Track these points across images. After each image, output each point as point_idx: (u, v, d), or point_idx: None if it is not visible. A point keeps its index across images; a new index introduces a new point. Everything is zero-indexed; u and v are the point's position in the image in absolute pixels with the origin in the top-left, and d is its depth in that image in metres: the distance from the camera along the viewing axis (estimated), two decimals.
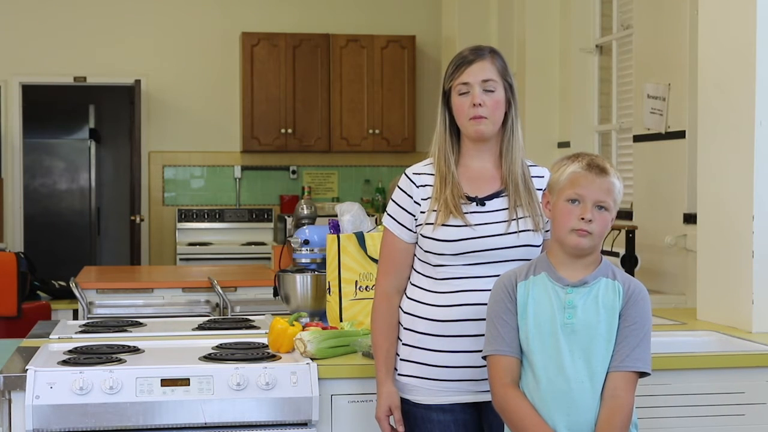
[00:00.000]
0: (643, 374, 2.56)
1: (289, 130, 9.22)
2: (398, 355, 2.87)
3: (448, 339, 2.79)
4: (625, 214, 6.01)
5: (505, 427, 2.64)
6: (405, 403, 2.84)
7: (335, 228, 3.69)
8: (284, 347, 3.17)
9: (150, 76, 9.32)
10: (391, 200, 2.92)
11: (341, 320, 3.52)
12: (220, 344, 3.33)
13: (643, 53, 5.83)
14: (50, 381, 2.88)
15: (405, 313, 2.87)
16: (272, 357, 3.11)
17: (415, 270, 2.89)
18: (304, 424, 2.99)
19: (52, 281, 6.62)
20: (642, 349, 2.54)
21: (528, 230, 2.80)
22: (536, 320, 2.56)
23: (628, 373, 2.52)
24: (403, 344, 2.86)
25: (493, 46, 2.95)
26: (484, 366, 2.69)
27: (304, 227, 4.01)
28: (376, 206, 9.26)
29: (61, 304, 6.40)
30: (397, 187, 2.91)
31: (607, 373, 2.53)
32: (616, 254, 5.40)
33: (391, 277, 2.89)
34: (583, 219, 2.52)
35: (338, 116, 9.29)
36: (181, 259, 9.11)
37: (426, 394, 2.82)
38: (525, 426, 2.52)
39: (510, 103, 2.86)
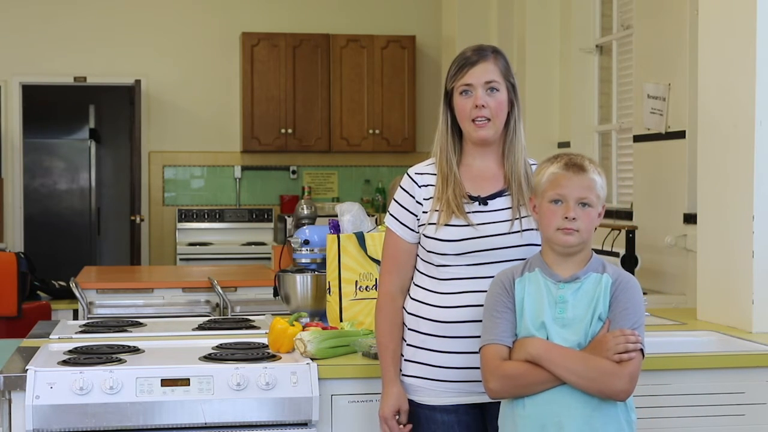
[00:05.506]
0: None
1: (289, 130, 9.22)
2: (402, 356, 2.86)
3: (452, 340, 2.78)
4: (625, 214, 6.01)
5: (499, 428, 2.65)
6: (409, 404, 2.84)
7: (335, 228, 3.69)
8: (284, 347, 3.17)
9: (150, 76, 9.32)
10: (393, 200, 2.91)
11: (341, 320, 3.52)
12: (220, 344, 3.33)
13: (643, 53, 5.83)
14: (50, 381, 2.88)
15: (409, 313, 2.86)
16: (272, 357, 3.11)
17: (418, 270, 2.88)
18: (304, 424, 2.99)
19: (52, 281, 6.60)
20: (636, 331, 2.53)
21: (531, 229, 2.79)
22: (531, 315, 2.58)
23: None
24: (407, 345, 2.86)
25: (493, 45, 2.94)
26: None
27: (304, 227, 4.00)
28: (376, 206, 9.25)
29: (61, 304, 6.39)
30: (399, 187, 2.90)
31: None
32: (616, 254, 5.40)
33: (395, 277, 2.88)
34: (566, 218, 2.55)
35: (338, 116, 9.29)
36: (181, 259, 9.10)
37: (430, 395, 2.82)
38: (535, 374, 2.52)
39: (513, 104, 2.85)
